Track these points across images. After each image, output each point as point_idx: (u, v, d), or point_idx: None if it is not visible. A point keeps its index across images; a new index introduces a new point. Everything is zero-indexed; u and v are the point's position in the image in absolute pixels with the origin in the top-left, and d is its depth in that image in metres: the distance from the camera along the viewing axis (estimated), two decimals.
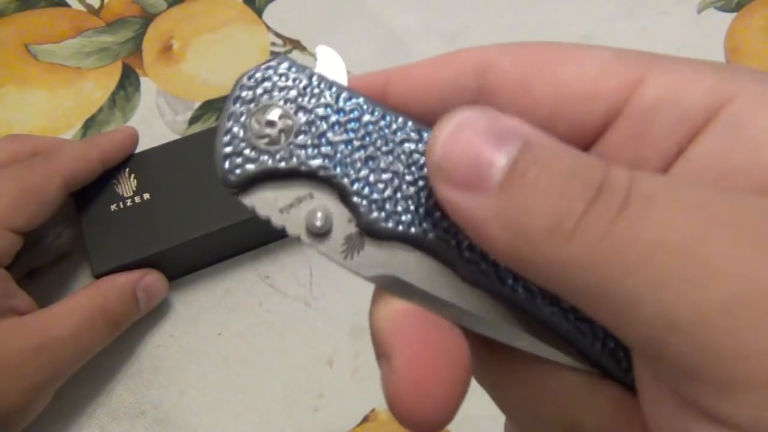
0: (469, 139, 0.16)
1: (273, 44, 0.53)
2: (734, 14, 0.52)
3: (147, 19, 0.54)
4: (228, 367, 0.40)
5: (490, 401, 0.42)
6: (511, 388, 0.20)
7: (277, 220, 0.18)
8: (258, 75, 0.18)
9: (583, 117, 0.19)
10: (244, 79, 0.18)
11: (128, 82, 0.51)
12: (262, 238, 0.43)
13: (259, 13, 0.54)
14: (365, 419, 0.39)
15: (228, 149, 0.17)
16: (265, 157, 0.17)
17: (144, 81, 0.51)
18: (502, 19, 0.53)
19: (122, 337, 0.41)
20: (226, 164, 0.17)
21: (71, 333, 0.36)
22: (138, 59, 0.52)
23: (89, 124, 0.49)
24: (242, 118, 0.18)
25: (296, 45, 0.53)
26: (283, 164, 0.17)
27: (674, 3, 0.53)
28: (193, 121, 0.49)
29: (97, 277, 0.39)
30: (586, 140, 0.19)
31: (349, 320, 0.41)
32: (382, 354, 0.18)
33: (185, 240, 0.39)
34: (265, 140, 0.17)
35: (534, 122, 0.17)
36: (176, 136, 0.48)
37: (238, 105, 0.18)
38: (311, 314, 0.41)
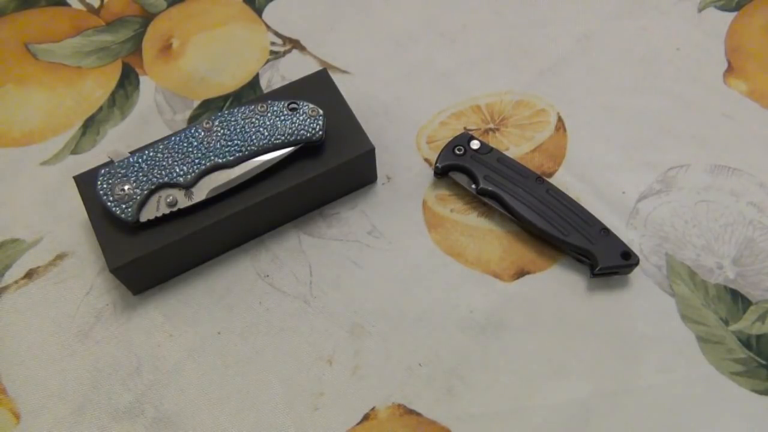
0: None
1: (273, 44, 0.53)
2: (735, 13, 0.52)
3: (147, 18, 0.54)
4: (228, 366, 0.40)
5: (490, 401, 0.42)
6: None
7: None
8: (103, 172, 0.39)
9: None
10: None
11: (128, 81, 0.51)
12: (267, 226, 0.44)
13: (259, 12, 0.54)
14: (365, 418, 0.39)
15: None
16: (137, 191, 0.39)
17: (143, 80, 0.51)
18: (501, 19, 0.53)
19: (122, 337, 0.41)
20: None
21: None
22: (138, 58, 0.52)
23: (89, 123, 0.49)
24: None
25: (296, 44, 0.53)
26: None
27: (674, 2, 0.53)
28: (192, 119, 0.49)
29: (113, 271, 0.39)
30: None
31: (348, 319, 0.41)
32: None
33: (200, 228, 0.39)
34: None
35: None
36: None
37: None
38: (311, 313, 0.41)
